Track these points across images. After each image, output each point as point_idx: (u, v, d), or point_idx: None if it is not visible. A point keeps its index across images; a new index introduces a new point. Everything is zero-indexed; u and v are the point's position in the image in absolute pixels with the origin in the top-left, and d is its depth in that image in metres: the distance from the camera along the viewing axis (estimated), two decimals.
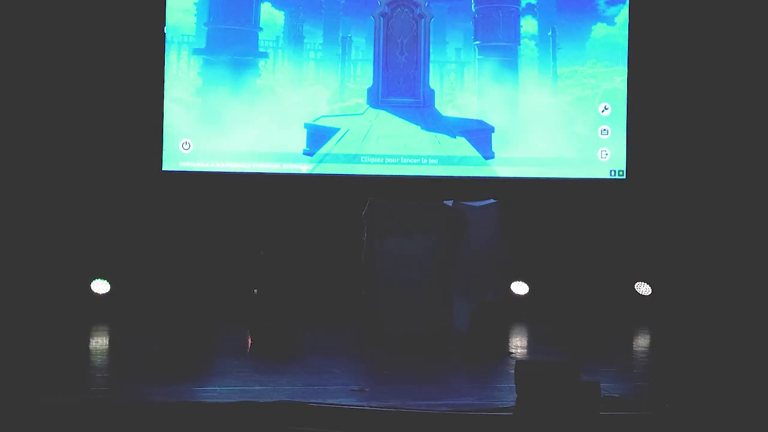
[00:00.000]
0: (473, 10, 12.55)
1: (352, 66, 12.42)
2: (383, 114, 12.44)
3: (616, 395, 7.29)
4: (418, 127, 12.49)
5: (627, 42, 12.62)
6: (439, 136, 12.46)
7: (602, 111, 12.62)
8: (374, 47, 12.37)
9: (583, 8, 12.70)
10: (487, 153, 12.49)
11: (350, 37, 12.42)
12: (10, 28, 11.81)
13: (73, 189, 11.89)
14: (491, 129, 12.41)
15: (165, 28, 12.12)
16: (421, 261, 10.35)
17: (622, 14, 12.65)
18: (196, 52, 12.20)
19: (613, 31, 12.68)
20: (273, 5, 12.37)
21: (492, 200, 10.71)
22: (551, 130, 12.59)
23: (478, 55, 12.58)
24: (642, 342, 11.31)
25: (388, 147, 12.43)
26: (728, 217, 12.52)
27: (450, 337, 10.20)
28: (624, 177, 12.65)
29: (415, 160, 12.44)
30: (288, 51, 12.36)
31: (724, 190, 12.59)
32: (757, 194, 12.57)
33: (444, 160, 12.48)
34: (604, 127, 12.62)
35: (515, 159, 12.52)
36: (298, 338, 9.92)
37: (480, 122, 12.43)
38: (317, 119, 12.34)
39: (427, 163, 12.45)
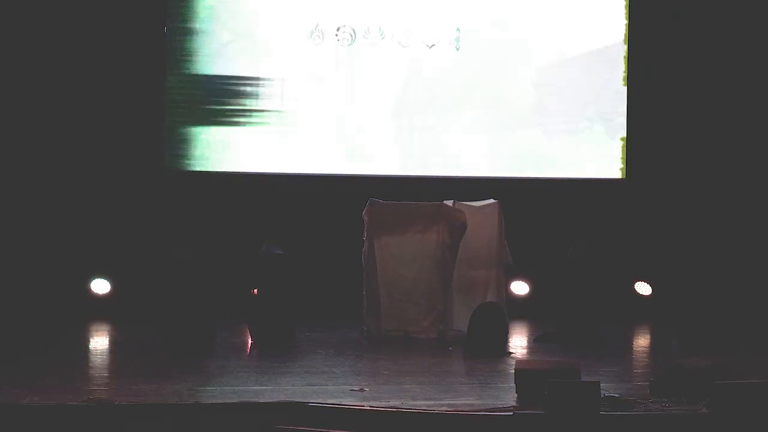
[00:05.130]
0: None
1: None
2: None
3: (616, 395, 7.28)
4: None
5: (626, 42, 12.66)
6: None
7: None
8: None
9: None
10: None
11: None
12: (10, 29, 11.81)
13: (74, 188, 11.88)
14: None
15: (165, 28, 12.13)
16: (421, 261, 10.36)
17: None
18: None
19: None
20: None
21: (492, 200, 10.71)
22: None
23: None
24: (642, 342, 11.30)
25: None
26: (729, 216, 12.51)
27: (450, 337, 10.20)
28: (624, 177, 12.65)
29: None
30: None
31: (725, 190, 12.58)
32: (757, 193, 12.57)
33: None
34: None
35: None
36: (298, 338, 9.93)
37: None
38: None
39: None
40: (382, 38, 12.39)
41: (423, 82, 12.47)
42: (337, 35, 12.34)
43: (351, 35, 12.38)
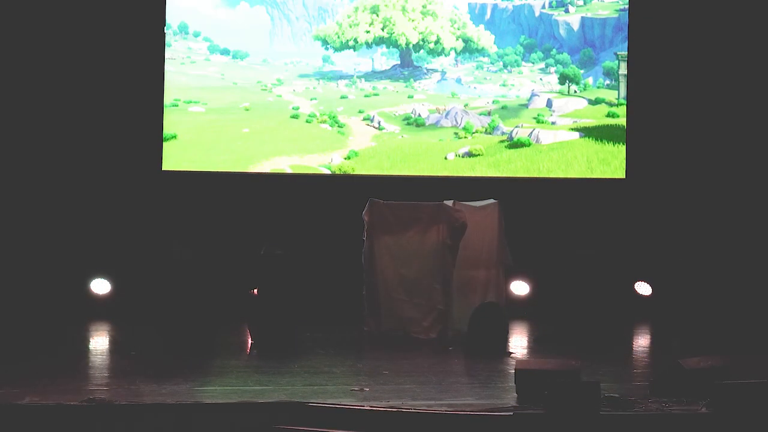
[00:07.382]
0: None
1: None
2: None
3: (616, 395, 7.28)
4: None
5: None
6: None
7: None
8: None
9: None
10: None
11: None
12: (10, 30, 11.81)
13: (74, 189, 11.88)
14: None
15: (165, 28, 12.13)
16: (421, 261, 10.36)
17: None
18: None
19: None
20: None
21: (492, 200, 10.71)
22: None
23: None
24: (642, 342, 11.30)
25: None
26: (728, 216, 12.51)
27: (450, 337, 10.20)
28: (624, 177, 12.64)
29: None
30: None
31: (724, 190, 12.58)
32: (756, 193, 12.57)
33: None
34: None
35: None
36: (298, 338, 9.94)
37: None
38: None
39: None
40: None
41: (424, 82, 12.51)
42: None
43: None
